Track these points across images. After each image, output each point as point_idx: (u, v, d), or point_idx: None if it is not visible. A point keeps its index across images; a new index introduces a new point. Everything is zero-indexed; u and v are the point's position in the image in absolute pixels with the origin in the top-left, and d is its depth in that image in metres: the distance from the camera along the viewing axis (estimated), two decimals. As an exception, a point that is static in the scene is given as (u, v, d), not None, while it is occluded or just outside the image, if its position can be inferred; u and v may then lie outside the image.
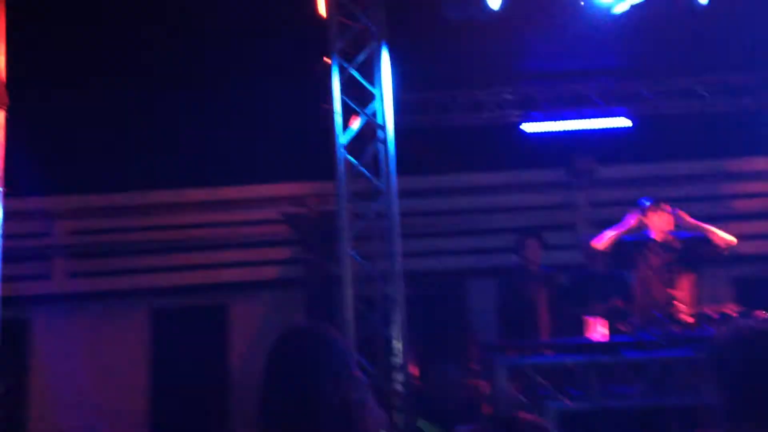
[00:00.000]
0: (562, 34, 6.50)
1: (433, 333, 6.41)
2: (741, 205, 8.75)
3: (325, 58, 5.08)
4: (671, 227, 5.72)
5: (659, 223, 5.66)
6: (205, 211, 8.80)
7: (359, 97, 5.07)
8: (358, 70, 4.94)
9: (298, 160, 8.59)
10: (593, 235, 7.40)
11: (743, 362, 1.59)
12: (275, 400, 1.64)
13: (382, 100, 4.80)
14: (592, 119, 7.90)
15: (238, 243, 8.78)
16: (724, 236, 5.69)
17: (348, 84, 4.96)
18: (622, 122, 7.96)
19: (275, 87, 7.59)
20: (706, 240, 6.12)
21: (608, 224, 7.34)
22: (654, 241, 5.70)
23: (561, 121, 7.92)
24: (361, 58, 4.90)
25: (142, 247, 8.71)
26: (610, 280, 6.28)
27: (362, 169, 5.15)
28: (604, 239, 5.75)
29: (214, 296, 8.63)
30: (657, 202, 5.72)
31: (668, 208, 5.72)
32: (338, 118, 4.83)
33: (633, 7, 5.54)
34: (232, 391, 8.39)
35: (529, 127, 7.99)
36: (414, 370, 5.03)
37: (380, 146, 4.84)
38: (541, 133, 8.07)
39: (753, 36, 6.59)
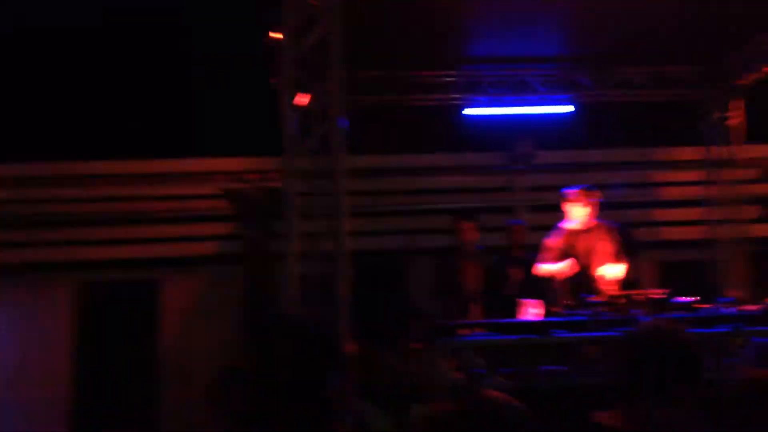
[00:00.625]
0: (508, 20, 6.58)
1: (374, 313, 6.48)
2: (669, 192, 9.14)
3: (276, 33, 5.01)
4: (593, 215, 5.83)
5: (579, 212, 5.78)
6: (141, 183, 8.60)
7: (309, 74, 5.03)
8: (309, 47, 4.89)
9: (239, 134, 8.48)
10: (521, 220, 7.59)
11: (649, 353, 2.12)
12: None
13: (331, 78, 4.78)
14: (533, 105, 8.06)
15: (175, 217, 8.62)
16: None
17: (298, 60, 4.91)
18: (563, 109, 8.15)
19: (221, 60, 7.45)
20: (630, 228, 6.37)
21: (545, 209, 7.57)
22: (577, 229, 5.83)
23: (503, 107, 8.04)
24: (313, 35, 4.85)
25: (73, 219, 8.45)
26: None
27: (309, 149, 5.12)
28: (540, 272, 5.85)
29: (146, 271, 8.46)
30: (578, 192, 5.80)
31: (588, 196, 5.77)
32: (287, 95, 4.79)
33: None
34: (162, 370, 8.28)
35: (472, 111, 8.09)
36: (354, 351, 5.08)
37: (328, 124, 4.83)
38: (484, 117, 8.20)
39: (689, 31, 6.82)
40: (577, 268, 5.66)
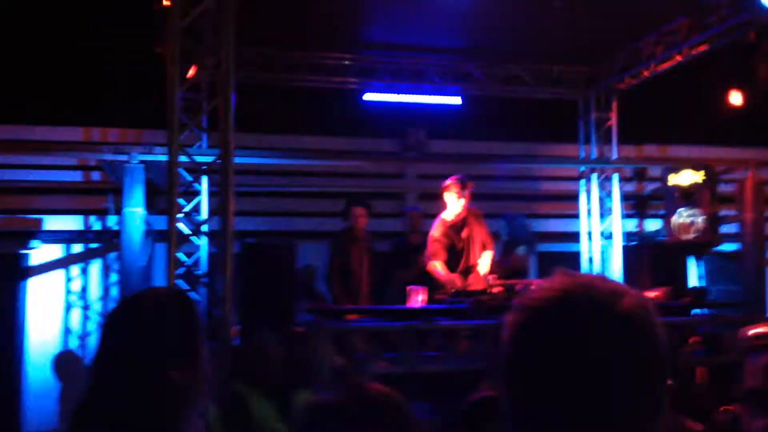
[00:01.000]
0: (406, 8, 6.61)
1: (259, 294, 6.36)
2: (549, 186, 9.55)
3: (165, 2, 4.76)
4: (468, 204, 5.95)
5: (456, 202, 5.90)
6: (12, 151, 7.97)
7: (199, 47, 4.82)
8: (199, 17, 4.68)
9: (123, 105, 8.05)
10: (418, 206, 7.69)
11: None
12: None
13: (223, 52, 4.59)
14: (428, 94, 8.16)
15: (48, 189, 8.08)
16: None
17: (188, 32, 4.68)
18: (454, 100, 8.31)
19: (105, 26, 7.02)
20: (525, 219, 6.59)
21: (435, 197, 7.67)
22: (454, 219, 5.94)
23: (398, 94, 8.10)
24: (203, 6, 4.64)
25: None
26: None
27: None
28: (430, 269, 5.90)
29: (13, 243, 7.88)
30: (453, 182, 5.90)
31: (463, 186, 5.87)
32: (172, 66, 4.56)
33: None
34: (27, 345, 7.78)
35: (368, 96, 8.09)
36: (236, 332, 4.97)
37: (218, 100, 4.65)
38: (379, 103, 8.22)
39: (574, 33, 7.12)
40: (459, 283, 5.72)
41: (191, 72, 5.10)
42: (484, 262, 5.90)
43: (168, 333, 1.55)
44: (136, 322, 1.56)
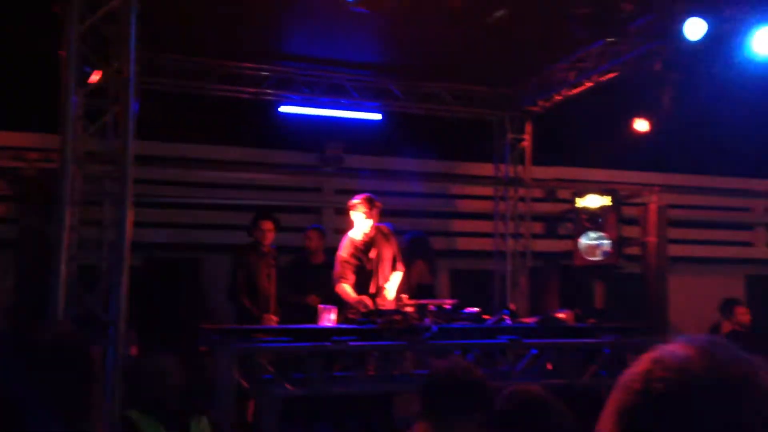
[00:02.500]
0: (324, 21, 6.53)
1: (160, 311, 6.08)
2: (465, 204, 9.65)
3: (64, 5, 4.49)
4: (375, 223, 5.89)
5: (363, 221, 5.81)
6: None
7: (101, 50, 4.57)
8: (102, 20, 4.43)
9: (19, 107, 7.60)
10: (320, 225, 7.53)
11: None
12: None
13: (123, 57, 4.37)
14: (346, 109, 8.10)
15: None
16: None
17: (90, 34, 4.43)
18: (373, 116, 8.28)
19: (6, 24, 6.60)
20: (423, 238, 6.56)
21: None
22: (362, 238, 5.86)
23: (316, 108, 8.00)
24: (107, 7, 4.40)
25: None
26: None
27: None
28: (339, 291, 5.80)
29: None
30: (360, 201, 5.83)
31: (370, 205, 5.79)
32: (71, 70, 4.30)
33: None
34: None
35: (285, 109, 7.95)
36: (134, 351, 4.71)
37: (119, 106, 4.41)
38: (297, 116, 8.09)
39: (492, 55, 7.23)
40: (369, 304, 5.62)
41: (95, 77, 4.83)
42: (392, 282, 5.84)
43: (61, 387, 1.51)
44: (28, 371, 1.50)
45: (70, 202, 4.22)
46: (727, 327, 6.95)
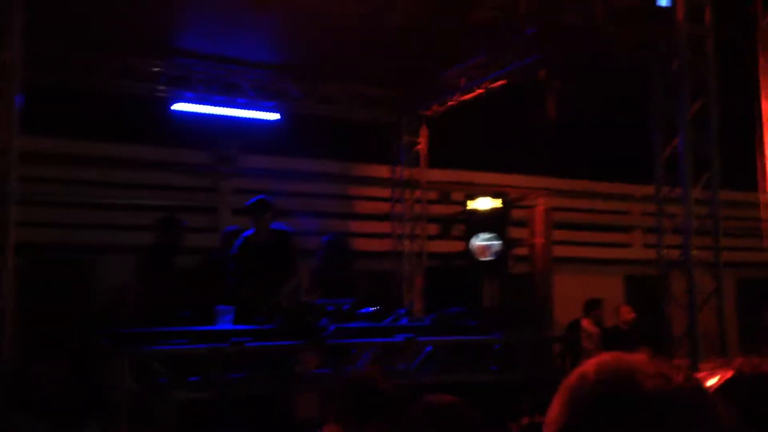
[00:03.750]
0: (219, 18, 6.44)
1: (47, 313, 5.80)
2: (363, 206, 9.77)
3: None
4: (269, 224, 5.88)
5: (259, 222, 5.83)
6: None
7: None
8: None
9: None
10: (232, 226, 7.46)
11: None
12: None
13: (11, 47, 4.14)
14: (242, 108, 8.00)
15: None
16: None
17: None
18: (270, 116, 8.23)
19: None
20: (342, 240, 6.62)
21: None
22: (258, 239, 5.87)
23: (211, 106, 7.85)
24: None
25: None
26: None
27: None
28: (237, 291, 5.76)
29: None
30: (257, 202, 5.86)
31: (265, 207, 5.84)
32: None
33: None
34: None
35: (178, 107, 7.75)
36: (18, 358, 4.47)
37: (4, 98, 4.17)
38: (192, 114, 7.91)
39: (388, 58, 7.36)
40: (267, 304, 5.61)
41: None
42: (289, 283, 5.84)
43: None
44: None
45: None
46: (586, 323, 7.53)
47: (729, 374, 1.22)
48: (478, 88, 7.72)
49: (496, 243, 7.61)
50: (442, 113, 8.63)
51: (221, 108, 7.93)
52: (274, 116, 8.24)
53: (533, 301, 8.26)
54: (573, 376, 0.92)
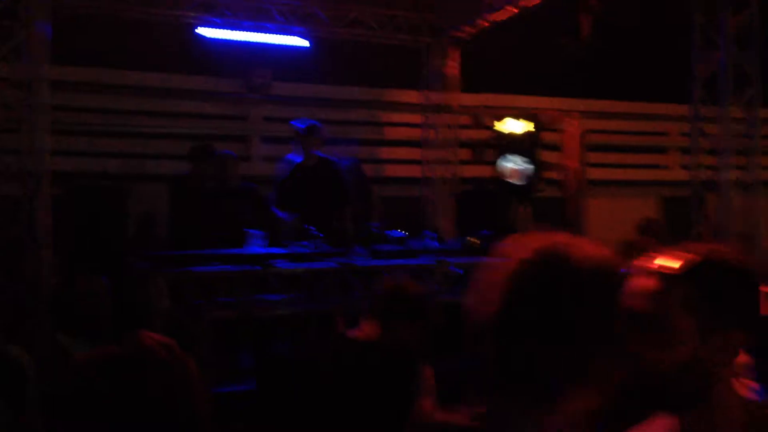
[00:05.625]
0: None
1: (84, 238, 5.97)
2: (393, 132, 9.71)
3: None
4: (317, 150, 5.92)
5: (305, 147, 5.85)
6: None
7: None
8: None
9: None
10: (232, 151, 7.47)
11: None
12: None
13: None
14: (270, 33, 7.91)
15: None
16: None
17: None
18: (299, 41, 8.13)
19: None
20: (357, 167, 6.63)
21: (279, 140, 7.53)
22: (303, 164, 5.91)
23: (239, 31, 7.77)
24: None
25: None
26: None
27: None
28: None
29: None
30: (305, 127, 5.86)
31: (314, 131, 5.85)
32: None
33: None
34: None
35: (205, 32, 7.69)
36: (60, 278, 4.66)
37: (26, 29, 4.20)
38: (219, 40, 7.85)
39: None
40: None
41: None
42: (338, 212, 5.90)
43: None
44: None
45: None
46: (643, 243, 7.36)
47: (693, 258, 1.28)
48: (511, 6, 7.47)
49: (528, 167, 7.54)
50: (474, 36, 8.41)
51: (250, 33, 7.84)
52: (303, 43, 8.14)
53: (564, 224, 8.23)
54: (511, 262, 1.04)
